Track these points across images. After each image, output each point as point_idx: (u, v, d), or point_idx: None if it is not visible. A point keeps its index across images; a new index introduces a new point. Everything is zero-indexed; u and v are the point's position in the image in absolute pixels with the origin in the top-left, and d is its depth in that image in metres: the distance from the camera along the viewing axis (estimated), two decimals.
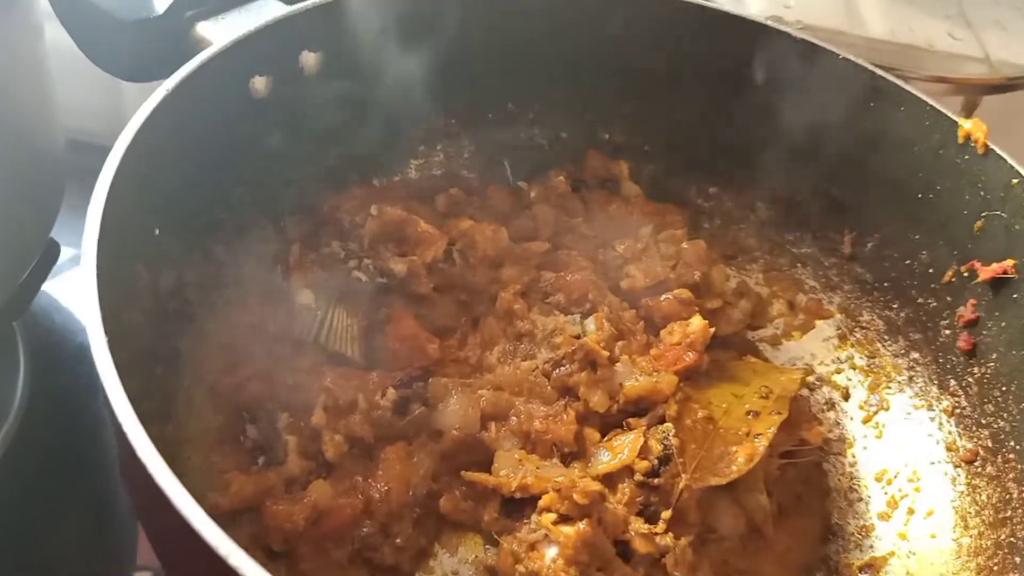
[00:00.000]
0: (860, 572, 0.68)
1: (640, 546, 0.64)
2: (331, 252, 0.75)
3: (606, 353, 0.72)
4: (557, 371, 0.72)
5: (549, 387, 0.72)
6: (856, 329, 0.81)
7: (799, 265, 0.84)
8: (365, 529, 0.65)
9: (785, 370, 0.78)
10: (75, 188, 0.76)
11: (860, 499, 0.73)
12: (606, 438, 0.70)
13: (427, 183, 0.84)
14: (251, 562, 0.41)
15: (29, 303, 0.81)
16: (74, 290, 0.92)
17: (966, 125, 0.71)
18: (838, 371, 0.80)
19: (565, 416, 0.70)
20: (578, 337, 0.74)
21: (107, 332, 0.49)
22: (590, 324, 0.75)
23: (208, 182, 0.68)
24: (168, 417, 0.64)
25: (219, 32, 0.69)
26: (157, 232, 0.63)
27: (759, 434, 0.68)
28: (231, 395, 0.68)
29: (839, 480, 0.74)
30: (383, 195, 0.80)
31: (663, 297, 0.77)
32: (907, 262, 0.77)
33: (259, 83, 0.69)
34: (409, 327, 0.75)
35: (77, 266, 0.90)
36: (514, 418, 0.70)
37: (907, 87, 0.75)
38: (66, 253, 0.93)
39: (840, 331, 0.81)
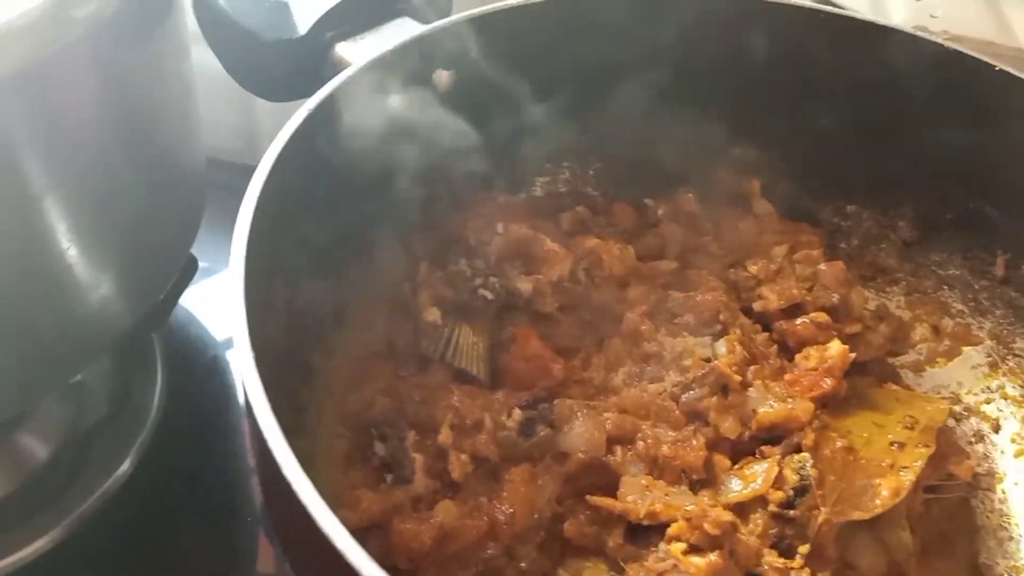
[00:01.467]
0: None
1: None
2: (458, 270, 0.75)
3: (738, 377, 0.70)
4: (686, 395, 0.70)
5: (677, 411, 0.70)
6: (1009, 357, 0.76)
7: (945, 288, 0.80)
8: (489, 551, 0.65)
9: (930, 399, 0.74)
10: (211, 203, 0.79)
11: (1011, 538, 0.69)
12: (737, 466, 0.68)
13: (552, 201, 0.84)
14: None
15: (168, 316, 0.85)
16: (207, 302, 0.95)
17: None
18: (988, 401, 0.75)
19: (695, 442, 0.68)
20: (708, 360, 0.72)
21: (253, 347, 0.49)
22: (721, 347, 0.73)
23: (343, 200, 0.69)
24: (300, 432, 0.65)
25: (358, 52, 0.70)
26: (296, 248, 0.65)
27: (904, 467, 0.64)
28: (359, 412, 0.69)
29: (987, 518, 0.70)
30: (509, 213, 0.80)
31: (799, 320, 0.74)
32: None
33: (394, 102, 0.70)
34: (534, 347, 0.74)
35: (210, 278, 0.95)
36: (641, 442, 0.69)
37: None
38: (200, 264, 0.96)
39: (991, 359, 0.77)
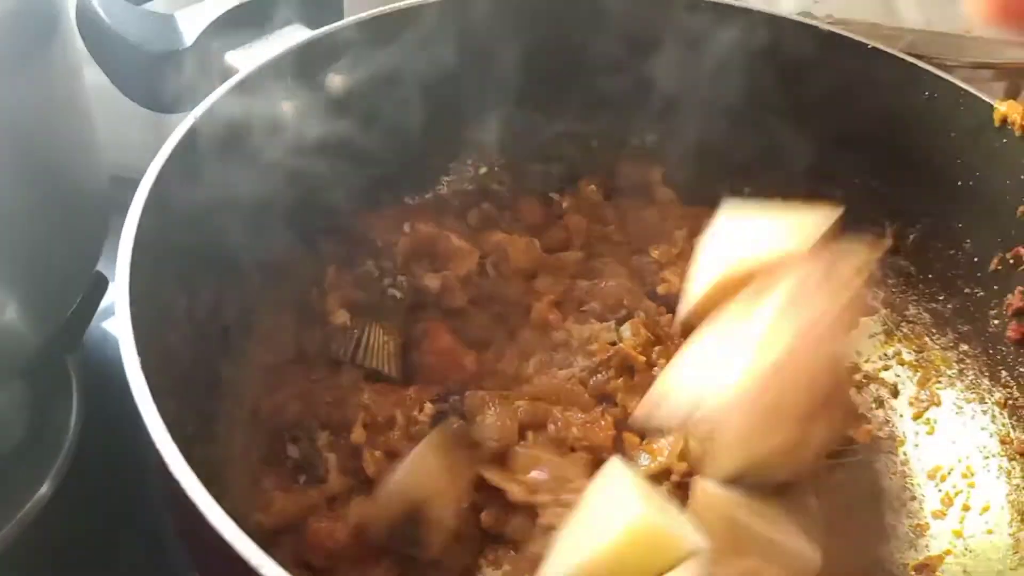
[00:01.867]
0: (915, 572, 0.66)
1: None
2: (366, 271, 0.76)
3: (643, 358, 0.72)
4: (594, 378, 0.72)
5: (586, 395, 0.72)
6: (903, 323, 0.79)
7: None
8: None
9: None
10: (120, 223, 0.79)
11: (913, 498, 0.71)
12: (645, 441, 0.69)
13: (459, 199, 0.85)
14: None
15: (80, 337, 0.84)
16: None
17: (1002, 108, 0.69)
18: (885, 367, 0.78)
19: (603, 422, 0.69)
20: (614, 344, 0.74)
21: (140, 353, 0.50)
22: (626, 330, 0.75)
23: (242, 208, 0.70)
24: (211, 439, 0.65)
25: (247, 60, 0.70)
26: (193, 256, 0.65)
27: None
28: (272, 416, 0.70)
29: (891, 480, 0.72)
30: (416, 213, 0.81)
31: None
32: (951, 252, 0.74)
33: (287, 107, 0.71)
34: (445, 341, 0.75)
35: None
36: (551, 426, 0.70)
37: (940, 73, 0.73)
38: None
39: (886, 326, 0.79)
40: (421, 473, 0.65)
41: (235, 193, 0.68)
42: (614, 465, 0.63)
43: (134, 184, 0.82)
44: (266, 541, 0.62)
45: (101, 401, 0.85)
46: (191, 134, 0.62)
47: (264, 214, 0.71)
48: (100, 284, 0.83)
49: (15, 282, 0.67)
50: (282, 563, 0.43)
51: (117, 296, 0.54)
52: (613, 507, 0.60)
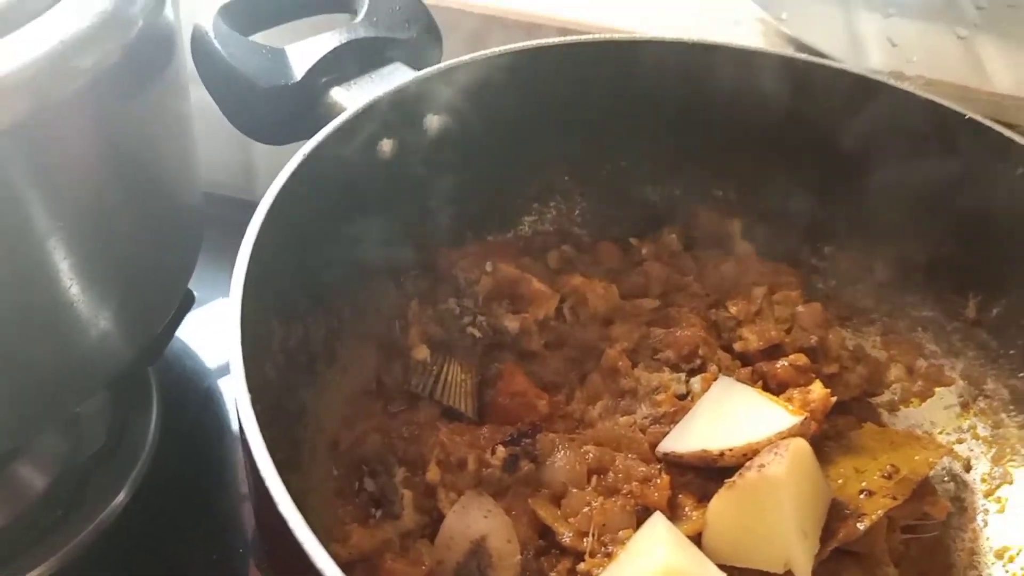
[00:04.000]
0: None
1: None
2: (447, 308, 0.77)
3: None
4: (653, 427, 0.72)
5: (645, 443, 0.72)
6: (980, 398, 0.78)
7: (919, 329, 0.82)
8: None
9: (925, 445, 0.73)
10: (207, 237, 0.81)
11: (980, 575, 0.70)
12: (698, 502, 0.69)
13: (539, 240, 0.86)
14: None
15: (164, 349, 0.86)
16: (201, 333, 0.97)
17: None
18: (959, 441, 0.77)
19: (659, 480, 0.69)
20: (682, 397, 0.74)
21: (249, 386, 0.52)
22: (696, 384, 0.75)
23: (337, 241, 0.71)
24: (295, 467, 0.67)
25: (351, 97, 0.72)
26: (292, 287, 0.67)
27: (863, 515, 0.66)
28: (350, 448, 0.71)
29: (959, 556, 0.72)
30: (497, 251, 0.82)
31: (779, 364, 0.76)
32: None
33: (386, 145, 0.73)
34: (520, 383, 0.76)
35: (204, 308, 0.97)
36: (611, 475, 0.70)
37: None
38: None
39: (962, 399, 0.79)
40: (479, 509, 0.67)
41: (333, 226, 0.70)
42: (656, 519, 0.64)
43: (223, 201, 0.85)
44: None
45: (178, 411, 0.88)
46: (300, 168, 0.64)
47: (359, 248, 0.73)
48: (188, 299, 0.85)
49: (113, 296, 0.69)
50: None
51: (229, 323, 0.55)
52: (645, 556, 0.61)
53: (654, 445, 0.71)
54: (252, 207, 0.62)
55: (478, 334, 0.76)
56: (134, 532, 0.79)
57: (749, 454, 0.66)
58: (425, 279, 0.79)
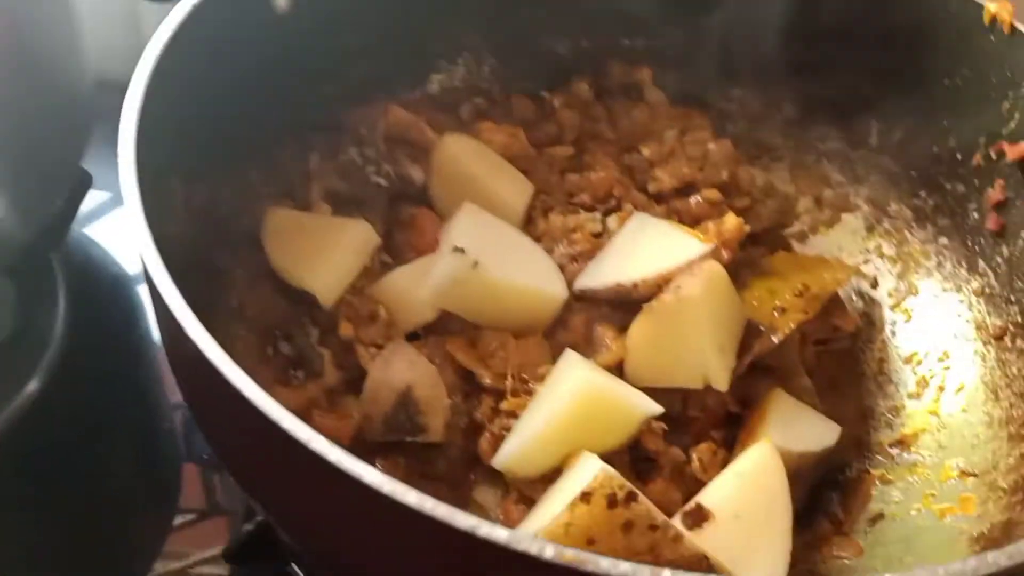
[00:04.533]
0: (891, 448, 0.69)
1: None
2: (349, 160, 0.76)
3: None
4: (571, 266, 0.72)
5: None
6: (884, 219, 0.81)
7: (825, 161, 0.84)
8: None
9: (833, 266, 0.76)
10: (104, 128, 0.77)
11: (890, 382, 0.74)
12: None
13: (450, 96, 0.84)
14: (307, 428, 0.42)
15: (65, 234, 0.83)
16: (110, 231, 0.94)
17: (991, 7, 0.70)
18: (866, 261, 0.80)
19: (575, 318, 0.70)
20: (598, 236, 0.75)
21: (151, 227, 0.50)
22: (612, 222, 0.75)
23: (234, 101, 0.69)
24: (211, 332, 0.65)
25: None
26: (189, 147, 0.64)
27: (776, 330, 0.68)
28: (261, 314, 0.70)
29: (868, 366, 0.75)
30: (404, 106, 0.80)
31: (693, 200, 0.77)
32: (935, 150, 0.76)
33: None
34: (433, 228, 0.75)
35: (112, 210, 0.93)
36: None
37: None
38: (101, 197, 0.95)
39: (868, 223, 0.81)
40: (401, 359, 0.67)
41: (227, 86, 0.67)
42: (567, 353, 0.65)
43: (118, 88, 0.81)
44: None
45: (85, 299, 0.85)
46: (188, 21, 0.61)
47: (254, 108, 0.70)
48: (84, 182, 0.82)
49: (2, 178, 0.66)
50: None
51: (123, 177, 0.53)
52: (560, 384, 0.63)
53: (571, 282, 0.71)
54: None
55: (384, 183, 0.75)
56: (48, 421, 0.76)
57: (662, 284, 0.67)
58: (327, 134, 0.77)
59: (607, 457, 0.62)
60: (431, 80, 0.84)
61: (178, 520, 0.77)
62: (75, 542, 0.73)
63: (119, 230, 0.94)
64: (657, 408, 0.62)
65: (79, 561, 0.74)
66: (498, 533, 0.38)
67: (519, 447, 0.62)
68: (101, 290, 0.90)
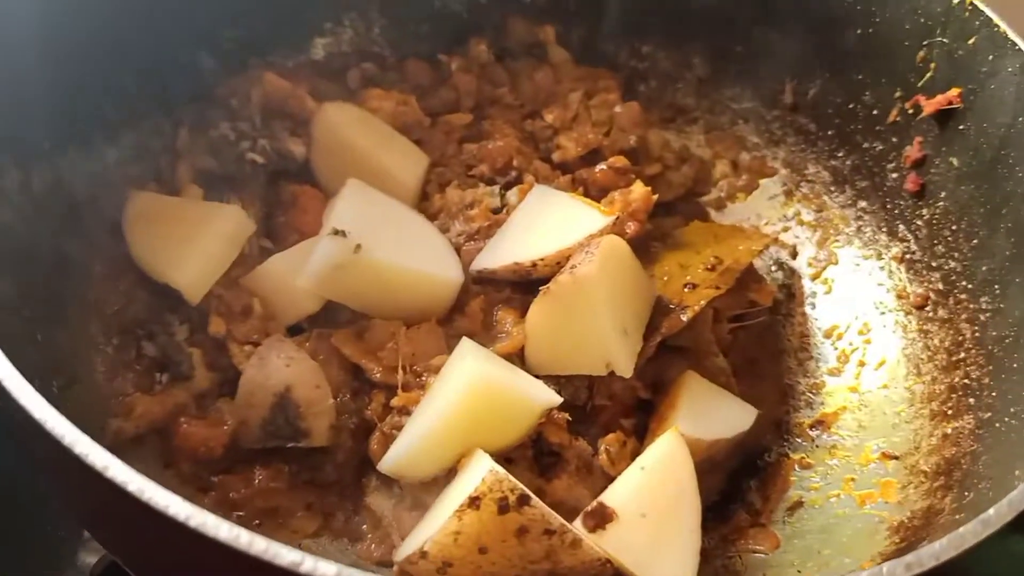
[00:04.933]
0: (811, 429, 0.66)
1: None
2: (221, 135, 0.68)
3: None
4: (468, 245, 0.67)
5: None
6: (802, 183, 0.77)
7: (740, 122, 0.79)
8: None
9: (749, 236, 0.72)
10: None
11: (811, 357, 0.70)
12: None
13: (337, 62, 0.78)
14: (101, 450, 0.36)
15: None
16: None
17: None
18: (785, 229, 0.76)
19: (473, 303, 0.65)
20: (496, 211, 0.69)
21: None
22: (512, 196, 0.70)
23: (81, 69, 0.62)
24: (61, 322, 0.59)
25: None
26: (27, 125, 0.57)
27: (686, 307, 0.63)
28: (122, 309, 0.63)
29: (789, 340, 0.71)
30: (286, 77, 0.73)
31: (598, 168, 0.72)
32: (851, 106, 0.72)
33: None
34: (317, 207, 0.69)
35: None
36: None
37: None
38: None
39: (786, 187, 0.77)
40: (279, 357, 0.61)
41: (82, 53, 0.60)
42: (462, 342, 0.60)
43: None
44: (129, 448, 0.58)
45: None
46: None
47: (115, 79, 0.63)
48: None
49: None
50: (144, 470, 0.38)
51: None
52: (455, 374, 0.57)
53: (469, 264, 0.66)
54: None
55: (260, 159, 0.68)
56: None
57: (562, 261, 0.62)
58: (196, 107, 0.70)
59: (508, 454, 0.57)
60: (315, 44, 0.78)
61: None
62: None
63: None
64: (556, 398, 0.57)
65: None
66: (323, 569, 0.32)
67: (409, 448, 0.57)
68: None
